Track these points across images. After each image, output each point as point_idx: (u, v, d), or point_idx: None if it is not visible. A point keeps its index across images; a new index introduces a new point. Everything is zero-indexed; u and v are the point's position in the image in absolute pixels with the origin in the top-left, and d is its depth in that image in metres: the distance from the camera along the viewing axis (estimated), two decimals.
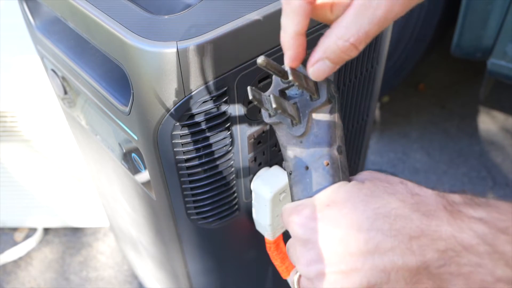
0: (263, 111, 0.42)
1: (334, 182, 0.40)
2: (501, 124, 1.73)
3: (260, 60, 0.36)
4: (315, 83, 0.39)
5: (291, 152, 0.42)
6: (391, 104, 1.82)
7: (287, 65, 0.37)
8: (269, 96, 0.39)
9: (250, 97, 0.38)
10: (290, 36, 0.35)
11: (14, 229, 1.42)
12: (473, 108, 1.79)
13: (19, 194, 1.26)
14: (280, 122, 0.41)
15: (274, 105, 0.37)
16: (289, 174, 0.42)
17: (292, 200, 0.42)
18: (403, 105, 1.82)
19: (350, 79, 0.64)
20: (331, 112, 0.40)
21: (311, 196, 0.40)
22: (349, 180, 0.41)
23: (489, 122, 1.74)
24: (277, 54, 0.50)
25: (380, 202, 0.35)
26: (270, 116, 0.41)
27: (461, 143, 1.67)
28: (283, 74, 0.39)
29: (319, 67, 0.35)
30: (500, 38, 1.20)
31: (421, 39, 1.38)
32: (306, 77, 0.39)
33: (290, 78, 0.36)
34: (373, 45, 0.63)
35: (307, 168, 0.41)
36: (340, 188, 0.38)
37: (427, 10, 1.32)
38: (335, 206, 0.37)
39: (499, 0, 1.15)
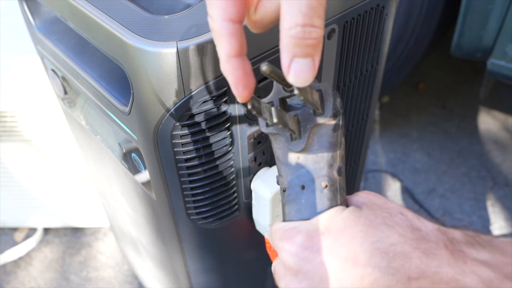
0: (260, 120, 0.39)
1: (331, 206, 0.37)
2: (501, 124, 1.73)
3: (264, 67, 0.33)
4: (321, 96, 0.37)
5: (287, 168, 0.39)
6: (391, 104, 1.82)
7: (236, 94, 0.34)
8: (268, 104, 0.37)
9: (249, 106, 0.35)
10: (223, 61, 0.33)
11: (14, 229, 1.42)
12: (473, 108, 1.79)
13: (19, 194, 1.26)
14: (277, 133, 0.38)
15: (275, 120, 0.35)
16: (283, 191, 0.39)
17: (284, 219, 0.40)
18: (403, 105, 1.82)
19: (350, 79, 0.64)
20: (334, 129, 0.37)
21: (305, 219, 0.37)
22: (347, 204, 0.38)
23: (489, 122, 1.74)
24: (277, 54, 0.50)
25: (378, 235, 0.33)
26: (267, 125, 0.39)
27: (461, 143, 1.67)
28: (286, 83, 0.36)
29: (295, 69, 0.31)
30: (500, 38, 1.20)
31: (421, 39, 1.38)
32: (311, 90, 0.36)
33: (296, 92, 0.33)
34: (373, 45, 0.63)
35: (303, 187, 0.38)
36: (337, 215, 0.36)
37: (427, 10, 1.32)
38: (330, 235, 0.35)
39: (499, 0, 1.15)
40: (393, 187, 1.54)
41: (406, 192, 1.52)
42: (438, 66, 1.96)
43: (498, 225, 1.41)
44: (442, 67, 1.96)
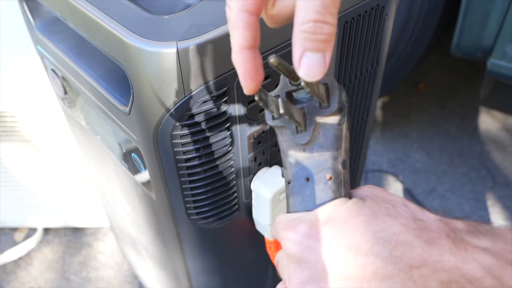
0: (266, 112, 0.40)
1: (335, 198, 0.37)
2: (501, 124, 1.73)
3: (272, 59, 0.34)
4: (327, 89, 0.37)
5: (292, 160, 0.39)
6: (391, 104, 1.82)
7: (243, 85, 0.34)
8: (275, 97, 0.38)
9: (256, 98, 0.35)
10: (234, 51, 0.33)
11: (14, 229, 1.42)
12: (473, 108, 1.79)
13: (19, 194, 1.26)
14: (283, 126, 0.39)
15: (282, 110, 0.35)
16: (288, 183, 0.40)
17: (288, 210, 0.40)
18: (403, 105, 1.82)
19: (350, 79, 0.64)
20: (339, 122, 0.38)
21: (308, 211, 0.38)
22: (350, 196, 0.39)
23: (489, 122, 1.74)
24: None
25: (381, 225, 0.33)
26: (273, 118, 0.39)
27: (461, 143, 1.67)
28: (293, 76, 0.36)
29: (306, 64, 0.31)
30: (500, 38, 1.20)
31: (421, 39, 1.39)
32: (318, 83, 0.36)
33: (302, 83, 0.34)
34: (373, 45, 0.63)
35: (308, 179, 0.38)
36: (341, 205, 0.36)
37: (427, 10, 1.32)
38: (333, 224, 0.35)
39: (499, 0, 1.15)
40: (393, 187, 1.54)
41: (406, 192, 1.52)
42: (438, 66, 1.96)
43: (498, 225, 1.41)
44: (442, 67, 1.96)
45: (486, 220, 1.42)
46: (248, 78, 0.34)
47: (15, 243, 1.39)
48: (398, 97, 1.84)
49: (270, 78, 0.52)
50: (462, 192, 1.51)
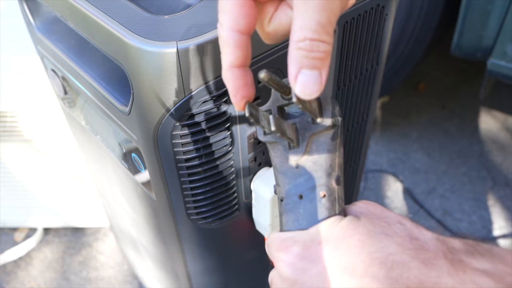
0: (257, 127, 0.39)
1: (329, 216, 0.36)
2: (501, 124, 1.73)
3: (262, 74, 0.33)
4: (319, 104, 0.36)
5: (285, 177, 0.38)
6: (391, 104, 1.82)
7: (234, 102, 0.34)
8: (266, 112, 0.37)
9: (247, 114, 0.34)
10: (224, 69, 0.33)
11: (14, 229, 1.43)
12: (473, 108, 1.79)
13: (19, 194, 1.26)
14: (275, 142, 0.38)
15: (273, 128, 0.34)
16: (280, 200, 0.39)
17: (281, 229, 0.39)
18: (403, 105, 1.82)
19: (350, 79, 0.64)
20: (333, 137, 0.37)
21: (302, 229, 0.37)
22: (345, 213, 0.38)
23: (489, 122, 1.74)
24: (276, 55, 0.50)
25: (377, 244, 0.33)
26: (265, 134, 0.38)
27: (461, 143, 1.67)
28: (284, 91, 0.36)
29: (302, 81, 0.30)
30: (500, 38, 1.20)
31: (421, 39, 1.39)
32: None
33: (294, 99, 0.32)
34: (373, 45, 0.63)
35: (301, 197, 0.38)
36: (335, 224, 0.35)
37: (427, 10, 1.32)
38: (328, 245, 0.34)
39: (499, 0, 1.15)
40: (393, 187, 1.54)
41: (406, 192, 1.52)
42: (438, 66, 1.96)
43: (498, 225, 1.41)
44: (442, 67, 1.96)
45: (486, 220, 1.43)
46: (238, 96, 0.33)
47: (15, 243, 1.39)
48: (398, 97, 1.84)
49: None
50: (462, 192, 1.51)
